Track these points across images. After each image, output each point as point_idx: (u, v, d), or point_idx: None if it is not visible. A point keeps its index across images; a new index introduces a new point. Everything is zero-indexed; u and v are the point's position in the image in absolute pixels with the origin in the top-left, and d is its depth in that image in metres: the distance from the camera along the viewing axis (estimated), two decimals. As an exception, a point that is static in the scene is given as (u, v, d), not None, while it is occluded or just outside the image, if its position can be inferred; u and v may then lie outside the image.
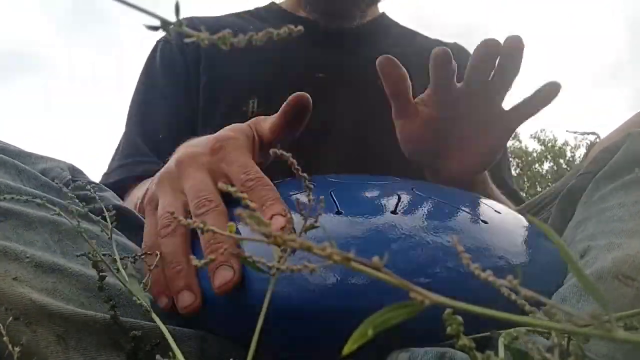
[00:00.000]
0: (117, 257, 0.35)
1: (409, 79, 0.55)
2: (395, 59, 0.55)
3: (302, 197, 0.41)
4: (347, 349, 0.15)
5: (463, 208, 0.42)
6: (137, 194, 0.63)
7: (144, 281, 0.36)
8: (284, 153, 0.27)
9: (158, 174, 0.45)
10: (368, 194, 0.45)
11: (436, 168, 0.60)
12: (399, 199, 0.41)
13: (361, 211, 0.40)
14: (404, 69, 0.55)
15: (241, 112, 0.74)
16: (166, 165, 0.45)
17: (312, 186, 0.28)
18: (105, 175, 0.77)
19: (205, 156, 0.43)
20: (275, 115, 0.47)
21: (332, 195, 0.42)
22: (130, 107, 0.83)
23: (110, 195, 0.50)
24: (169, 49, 0.82)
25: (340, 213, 0.39)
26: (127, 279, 0.34)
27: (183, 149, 0.46)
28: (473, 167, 0.58)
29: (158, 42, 0.84)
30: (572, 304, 0.35)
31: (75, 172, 0.49)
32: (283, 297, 0.33)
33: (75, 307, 0.34)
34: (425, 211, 0.41)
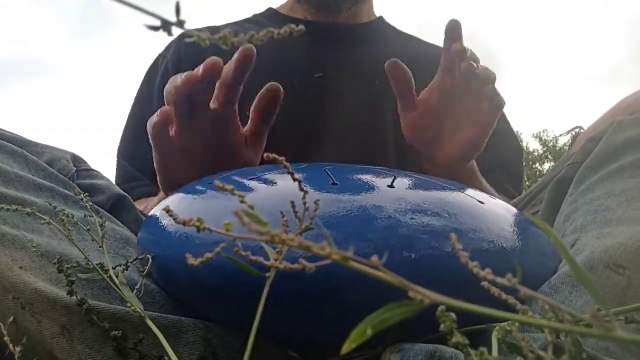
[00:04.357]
0: (110, 266, 0.35)
1: (412, 79, 0.61)
2: (402, 63, 0.60)
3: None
4: (345, 348, 0.14)
5: (459, 190, 0.41)
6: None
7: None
8: (277, 157, 0.27)
9: None
10: (363, 174, 0.44)
11: (430, 154, 0.63)
12: (395, 178, 0.41)
13: (357, 185, 0.40)
14: (409, 71, 0.60)
15: (246, 117, 0.75)
16: None
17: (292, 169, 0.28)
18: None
19: None
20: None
21: (327, 172, 0.41)
22: (123, 135, 0.83)
23: (109, 183, 0.50)
24: (164, 66, 0.82)
25: (336, 184, 0.39)
26: (119, 285, 0.33)
27: None
28: (460, 153, 0.62)
29: (158, 56, 0.84)
30: (564, 296, 0.35)
31: (77, 161, 0.50)
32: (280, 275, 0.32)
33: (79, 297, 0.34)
34: (422, 189, 0.41)
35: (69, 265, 0.34)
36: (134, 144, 0.80)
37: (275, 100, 0.53)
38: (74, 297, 0.33)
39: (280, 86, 0.53)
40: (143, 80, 0.84)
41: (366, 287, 0.30)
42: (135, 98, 0.84)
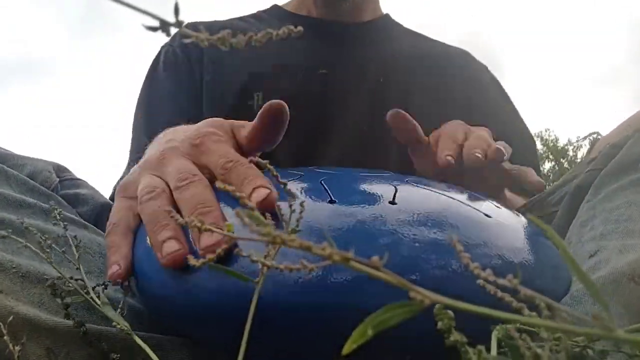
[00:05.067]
0: (90, 287, 0.34)
1: (418, 127, 0.57)
2: (405, 112, 0.56)
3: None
4: (346, 349, 0.15)
5: (461, 201, 0.40)
6: None
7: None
8: (260, 161, 0.27)
9: (137, 165, 0.43)
10: (362, 185, 0.43)
11: None
12: (396, 190, 0.39)
13: (356, 201, 0.38)
14: (413, 120, 0.56)
15: (247, 106, 0.75)
16: (145, 158, 0.43)
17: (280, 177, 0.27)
18: (121, 178, 0.78)
19: (185, 149, 0.41)
20: (251, 124, 0.44)
21: (323, 184, 0.39)
22: (137, 109, 0.83)
23: (94, 193, 0.50)
24: (172, 51, 0.83)
25: (334, 202, 0.36)
26: (100, 304, 0.33)
27: (163, 141, 0.44)
28: None
29: (162, 46, 0.85)
30: (587, 308, 0.34)
31: (60, 171, 0.49)
32: (267, 296, 0.30)
33: (62, 319, 0.33)
34: (423, 202, 0.39)
35: (62, 287, 0.34)
36: (150, 125, 0.79)
37: (278, 122, 0.44)
38: (64, 320, 0.33)
39: (285, 107, 0.43)
40: (149, 69, 0.85)
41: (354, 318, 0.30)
42: (143, 85, 0.85)
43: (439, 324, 0.19)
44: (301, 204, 0.27)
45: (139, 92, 0.85)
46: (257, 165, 0.28)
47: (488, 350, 0.19)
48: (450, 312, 0.19)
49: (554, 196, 0.52)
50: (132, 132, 0.82)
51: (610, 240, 0.38)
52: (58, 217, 0.38)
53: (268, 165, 0.31)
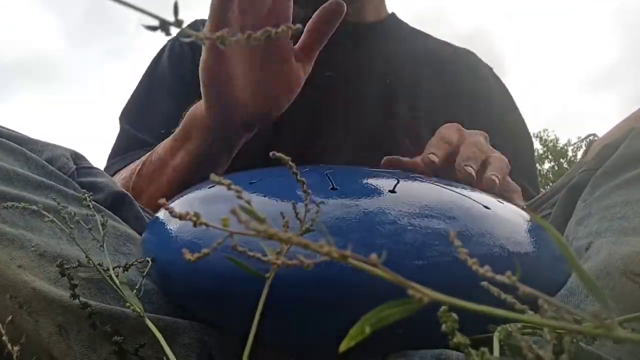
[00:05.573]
0: (111, 267, 0.35)
1: (412, 161, 0.56)
2: (393, 157, 0.57)
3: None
4: (343, 346, 0.14)
5: (465, 194, 0.40)
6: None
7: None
8: (283, 156, 0.27)
9: None
10: (365, 177, 0.44)
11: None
12: (398, 181, 0.40)
13: (357, 190, 0.39)
14: (404, 159, 0.56)
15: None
16: None
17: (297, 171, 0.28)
18: (105, 169, 0.77)
19: None
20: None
21: (328, 176, 0.40)
22: (131, 102, 0.83)
23: (110, 181, 0.50)
24: (178, 45, 0.83)
25: (336, 189, 0.38)
26: (119, 285, 0.33)
27: None
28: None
29: (169, 39, 0.85)
30: (580, 299, 0.34)
31: (78, 158, 0.50)
32: (279, 281, 0.32)
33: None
34: (425, 194, 0.40)
35: (69, 266, 0.34)
36: (141, 112, 0.81)
37: (335, 17, 0.53)
38: (76, 300, 0.33)
39: (344, 5, 0.53)
40: (153, 59, 0.86)
41: (365, 298, 0.30)
42: (145, 73, 0.85)
43: (443, 327, 0.19)
44: (317, 204, 0.27)
45: (138, 81, 0.85)
46: (276, 159, 0.28)
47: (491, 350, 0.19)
48: (454, 315, 0.19)
49: (552, 200, 0.52)
50: (125, 123, 0.81)
51: (604, 237, 0.38)
52: (87, 199, 0.41)
53: (289, 162, 0.31)
